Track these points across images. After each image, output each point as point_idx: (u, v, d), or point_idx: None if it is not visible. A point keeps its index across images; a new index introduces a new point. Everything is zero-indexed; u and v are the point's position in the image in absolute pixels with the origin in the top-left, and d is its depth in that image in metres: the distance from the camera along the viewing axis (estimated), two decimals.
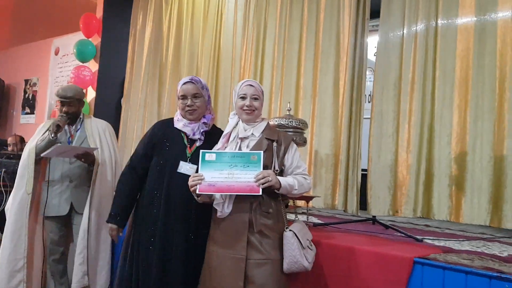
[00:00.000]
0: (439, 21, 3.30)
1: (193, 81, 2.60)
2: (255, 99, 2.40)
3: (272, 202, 2.30)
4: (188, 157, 2.56)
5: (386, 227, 3.11)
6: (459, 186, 3.09)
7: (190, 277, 2.49)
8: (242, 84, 2.46)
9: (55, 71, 6.69)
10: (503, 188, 2.90)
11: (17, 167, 4.57)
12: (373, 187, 3.40)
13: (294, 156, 2.40)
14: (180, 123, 2.63)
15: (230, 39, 4.61)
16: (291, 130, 3.28)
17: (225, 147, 2.42)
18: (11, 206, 3.27)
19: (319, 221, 3.38)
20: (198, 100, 2.61)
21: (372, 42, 3.60)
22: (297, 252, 2.20)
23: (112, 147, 3.45)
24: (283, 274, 2.25)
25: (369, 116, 3.55)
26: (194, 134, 2.60)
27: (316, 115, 3.83)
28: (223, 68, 4.61)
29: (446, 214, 3.09)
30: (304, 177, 2.36)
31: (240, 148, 2.36)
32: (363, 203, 3.49)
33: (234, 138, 2.42)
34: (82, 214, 3.23)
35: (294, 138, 3.21)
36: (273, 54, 4.19)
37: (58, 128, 3.18)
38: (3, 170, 4.47)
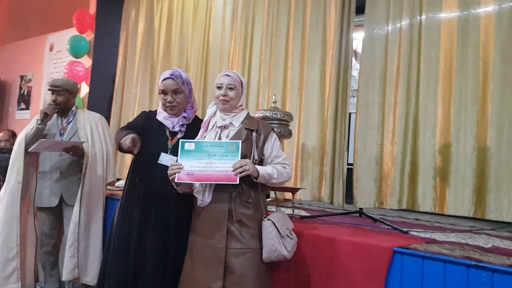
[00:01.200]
0: (423, 14, 3.31)
1: (173, 76, 2.60)
2: (231, 89, 2.40)
3: (251, 191, 2.32)
4: (169, 148, 2.58)
5: (373, 219, 3.12)
6: (443, 178, 3.09)
7: (170, 269, 2.50)
8: (220, 74, 2.47)
9: (50, 67, 6.70)
10: (487, 179, 2.91)
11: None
12: (359, 179, 3.41)
13: (274, 146, 2.41)
14: (161, 116, 2.66)
15: (219, 34, 4.62)
16: (276, 122, 3.29)
17: (204, 136, 2.44)
18: (2, 196, 3.33)
19: (305, 214, 3.39)
20: (178, 96, 2.61)
21: (358, 37, 3.62)
22: (275, 241, 2.22)
23: (104, 140, 3.47)
24: (263, 263, 2.26)
25: (355, 111, 3.56)
26: (173, 127, 2.62)
27: (303, 108, 3.84)
28: (212, 62, 4.63)
29: (430, 205, 3.10)
30: (283, 166, 2.37)
31: (220, 138, 2.38)
32: (349, 195, 3.50)
33: (213, 127, 2.43)
34: (72, 206, 3.26)
35: (278, 130, 3.26)
36: (261, 48, 4.21)
37: (45, 116, 3.23)
38: None
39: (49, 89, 3.37)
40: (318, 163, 3.70)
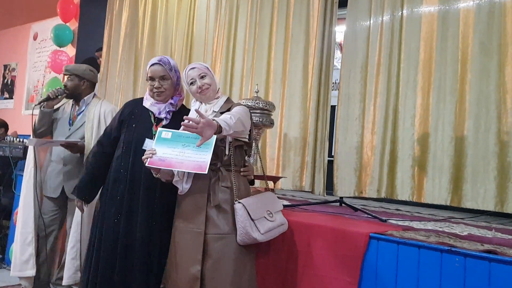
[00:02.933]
0: (405, 6, 3.32)
1: (161, 62, 2.61)
2: (203, 77, 2.42)
3: (232, 177, 2.34)
4: (154, 134, 2.57)
5: (353, 208, 3.15)
6: (421, 167, 3.13)
7: (155, 257, 2.51)
8: (186, 71, 2.48)
9: (34, 56, 6.65)
10: (463, 168, 2.95)
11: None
12: (339, 168, 3.44)
13: (233, 110, 2.35)
14: (148, 102, 2.67)
15: (203, 24, 4.61)
16: (258, 111, 3.30)
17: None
18: (22, 183, 3.38)
19: (287, 203, 3.41)
20: (166, 83, 2.62)
21: (343, 30, 3.65)
22: (246, 224, 2.23)
23: None
24: (242, 247, 2.28)
25: (336, 103, 3.59)
26: (160, 114, 2.63)
27: (286, 99, 3.86)
28: (196, 52, 4.62)
29: (409, 194, 3.13)
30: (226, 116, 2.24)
31: None
32: (330, 186, 3.53)
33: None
34: (74, 200, 3.18)
35: (260, 119, 3.27)
36: (245, 38, 4.21)
37: (47, 98, 3.20)
38: None
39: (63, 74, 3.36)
40: (300, 153, 3.72)
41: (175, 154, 2.26)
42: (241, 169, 2.43)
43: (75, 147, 3.16)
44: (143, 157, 2.29)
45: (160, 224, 2.53)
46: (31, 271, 3.22)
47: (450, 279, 2.04)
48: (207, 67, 2.48)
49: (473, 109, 2.94)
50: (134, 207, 2.54)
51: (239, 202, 2.27)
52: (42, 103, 3.23)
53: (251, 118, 2.48)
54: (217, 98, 2.48)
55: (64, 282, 3.16)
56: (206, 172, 2.20)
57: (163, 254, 2.49)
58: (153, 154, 2.26)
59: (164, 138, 2.31)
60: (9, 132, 5.45)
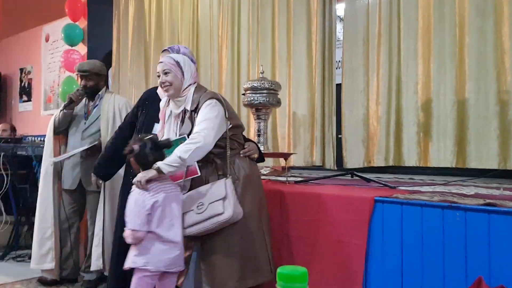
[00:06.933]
0: None
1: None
2: (166, 73, 2.38)
3: (227, 164, 2.37)
4: None
5: (364, 179, 3.20)
6: (426, 133, 3.21)
7: None
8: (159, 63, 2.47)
9: (47, 57, 6.83)
10: (466, 130, 3.01)
11: (16, 151, 4.76)
12: (347, 141, 3.53)
13: (200, 115, 2.31)
14: (160, 89, 2.78)
15: (207, 10, 4.70)
16: (265, 91, 3.41)
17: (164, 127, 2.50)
18: (40, 178, 3.44)
19: (300, 179, 3.49)
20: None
21: (341, 6, 3.72)
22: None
23: None
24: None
25: (340, 81, 3.67)
26: None
27: (292, 78, 3.95)
28: (202, 40, 4.72)
29: (415, 160, 3.21)
30: (187, 143, 2.22)
31: (182, 125, 2.41)
32: (340, 159, 3.63)
33: (169, 116, 2.47)
34: (92, 193, 3.31)
35: (266, 99, 3.37)
36: (248, 21, 4.29)
37: (70, 101, 3.30)
38: (2, 154, 4.66)
39: (79, 75, 3.38)
40: (309, 130, 3.82)
41: None
42: (241, 152, 2.47)
43: (93, 148, 3.25)
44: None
45: None
46: (50, 264, 3.32)
47: (452, 234, 2.13)
48: (178, 63, 2.41)
49: (473, 71, 2.99)
50: None
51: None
52: (67, 108, 3.33)
53: (223, 104, 2.39)
54: (184, 95, 2.40)
55: (92, 268, 3.30)
56: (199, 174, 2.31)
57: None
58: None
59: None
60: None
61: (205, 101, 2.33)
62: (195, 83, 2.45)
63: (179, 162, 2.17)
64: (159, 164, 2.15)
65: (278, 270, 0.78)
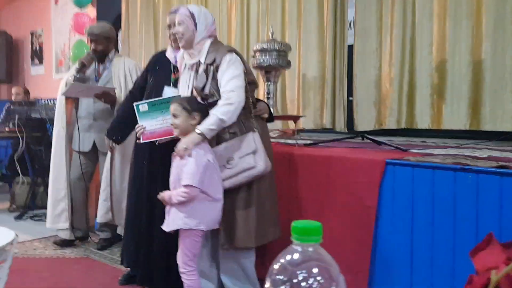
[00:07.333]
0: None
1: (177, 9, 2.60)
2: (179, 24, 2.35)
3: (240, 123, 2.36)
4: (172, 82, 2.67)
5: (375, 141, 3.17)
6: (440, 94, 3.14)
7: None
8: (168, 12, 2.48)
9: (57, 21, 6.78)
10: (481, 91, 2.95)
11: (30, 114, 4.82)
12: (358, 103, 3.48)
13: (225, 73, 2.31)
14: (168, 51, 2.75)
15: None
16: (275, 53, 3.35)
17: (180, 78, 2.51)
18: (52, 141, 3.52)
19: (310, 142, 3.48)
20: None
21: None
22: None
23: None
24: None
25: (352, 43, 3.58)
26: (176, 62, 2.70)
27: (302, 39, 3.87)
28: (211, 1, 4.63)
29: (428, 122, 3.16)
30: (224, 104, 2.24)
31: (194, 80, 2.41)
32: (350, 122, 3.59)
33: (185, 68, 2.48)
34: (105, 153, 3.36)
35: (276, 61, 3.32)
36: None
37: (82, 66, 3.31)
38: (17, 116, 4.72)
39: (90, 39, 3.40)
40: (319, 92, 3.77)
41: (160, 123, 2.39)
42: (252, 111, 2.45)
43: (109, 96, 3.26)
44: (137, 135, 2.44)
45: None
46: (64, 224, 3.43)
47: (464, 197, 2.11)
48: (190, 14, 2.36)
49: (490, 31, 2.90)
50: (154, 152, 2.61)
51: None
52: (80, 72, 3.33)
53: (243, 61, 2.40)
54: (198, 48, 2.37)
55: (98, 219, 3.42)
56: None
57: None
58: (143, 129, 2.40)
59: (143, 111, 2.42)
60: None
61: (225, 55, 2.32)
62: (211, 36, 2.42)
63: (218, 124, 2.20)
64: (201, 129, 2.16)
65: (293, 224, 0.78)
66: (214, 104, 2.27)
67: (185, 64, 2.47)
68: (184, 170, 2.12)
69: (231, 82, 2.27)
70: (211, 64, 2.33)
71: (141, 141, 2.42)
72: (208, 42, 2.39)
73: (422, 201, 2.25)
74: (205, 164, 2.15)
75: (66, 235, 3.47)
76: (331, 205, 2.58)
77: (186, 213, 2.14)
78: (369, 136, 3.25)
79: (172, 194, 2.14)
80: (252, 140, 2.33)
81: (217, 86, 2.31)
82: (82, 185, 3.48)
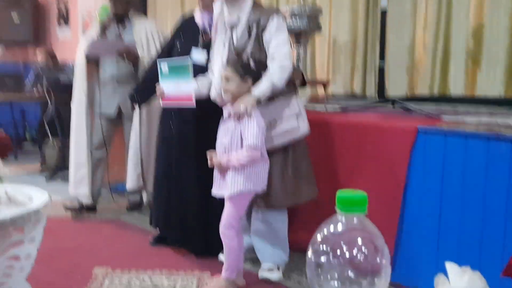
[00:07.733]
0: None
1: None
2: None
3: None
4: (201, 46, 2.65)
5: (406, 109, 3.10)
6: (475, 61, 3.04)
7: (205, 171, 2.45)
8: None
9: None
10: None
11: (58, 77, 4.86)
12: (390, 69, 3.41)
13: (273, 35, 2.27)
14: (197, 16, 2.72)
15: None
16: (305, 16, 3.27)
17: (215, 39, 2.46)
18: (73, 105, 3.52)
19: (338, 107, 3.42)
20: None
21: None
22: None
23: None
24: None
25: (386, 6, 3.45)
26: (203, 25, 2.67)
27: (334, 1, 3.76)
28: None
29: (462, 89, 3.07)
30: (279, 70, 2.24)
31: (232, 39, 2.36)
32: (381, 87, 3.51)
33: (223, 26, 2.41)
34: (130, 118, 3.38)
35: (307, 25, 3.24)
36: None
37: (104, 28, 3.32)
38: (45, 80, 4.78)
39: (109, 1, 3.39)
40: (350, 57, 3.69)
41: (177, 88, 2.38)
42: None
43: (131, 54, 3.25)
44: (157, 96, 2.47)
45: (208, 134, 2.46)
46: (84, 189, 3.45)
47: (496, 167, 2.07)
48: None
49: None
50: (182, 114, 2.61)
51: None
52: (102, 34, 3.33)
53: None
54: (240, 3, 2.32)
55: (128, 187, 3.45)
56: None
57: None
58: (162, 93, 2.40)
59: (165, 73, 2.41)
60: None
61: (273, 16, 2.28)
62: None
63: (273, 89, 2.22)
64: (257, 93, 2.18)
65: (338, 193, 0.78)
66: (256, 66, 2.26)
67: (223, 23, 2.41)
68: (247, 132, 2.14)
69: (283, 47, 2.27)
70: (255, 23, 2.29)
71: (162, 106, 2.44)
72: (250, 2, 2.34)
73: (454, 170, 2.22)
74: (263, 126, 2.19)
75: (87, 199, 3.49)
76: (360, 172, 2.57)
77: (245, 176, 2.17)
78: (401, 103, 3.20)
79: (233, 157, 2.15)
80: (296, 103, 2.39)
81: (260, 47, 2.29)
82: (103, 151, 3.48)
